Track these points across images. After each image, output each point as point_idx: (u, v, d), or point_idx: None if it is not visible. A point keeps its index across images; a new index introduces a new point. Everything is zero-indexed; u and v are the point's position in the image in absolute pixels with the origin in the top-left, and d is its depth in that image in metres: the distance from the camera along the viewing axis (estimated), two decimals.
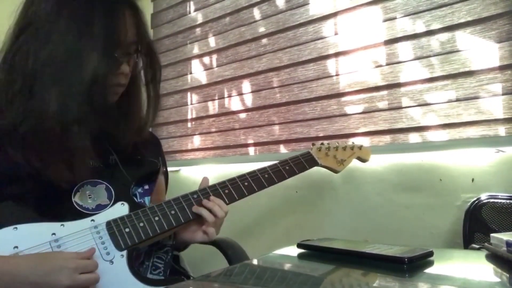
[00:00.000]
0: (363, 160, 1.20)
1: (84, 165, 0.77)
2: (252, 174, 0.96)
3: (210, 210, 0.86)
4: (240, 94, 1.83)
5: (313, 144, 1.13)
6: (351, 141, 1.22)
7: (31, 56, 0.73)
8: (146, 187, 0.92)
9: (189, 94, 2.04)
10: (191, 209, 0.86)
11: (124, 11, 0.79)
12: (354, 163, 1.20)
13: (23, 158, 0.73)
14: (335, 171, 1.14)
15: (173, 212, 0.84)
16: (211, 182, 0.94)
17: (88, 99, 0.74)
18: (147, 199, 0.91)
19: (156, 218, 0.82)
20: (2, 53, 0.77)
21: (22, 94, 0.73)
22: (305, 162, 1.04)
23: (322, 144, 1.13)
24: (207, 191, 0.89)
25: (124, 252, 0.77)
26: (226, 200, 0.90)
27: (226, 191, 0.90)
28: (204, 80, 1.97)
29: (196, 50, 2.01)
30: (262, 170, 0.97)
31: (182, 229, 0.91)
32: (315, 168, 1.08)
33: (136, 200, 0.88)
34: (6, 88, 0.74)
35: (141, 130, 0.89)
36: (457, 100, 1.30)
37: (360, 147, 1.18)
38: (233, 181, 0.93)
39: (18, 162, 0.73)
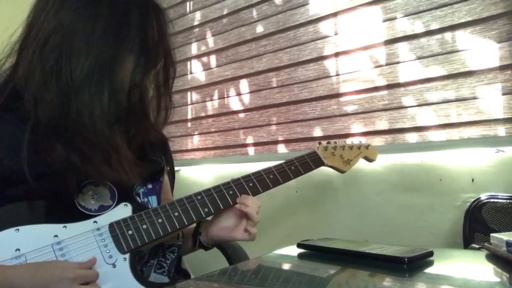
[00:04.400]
0: (370, 160, 1.17)
1: (122, 165, 0.78)
2: (257, 174, 0.94)
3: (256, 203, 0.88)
4: (240, 94, 1.83)
5: (319, 143, 1.10)
6: (358, 140, 1.21)
7: (69, 59, 0.73)
8: (150, 186, 0.92)
9: (189, 94, 2.04)
10: (194, 211, 0.86)
11: (154, 15, 0.81)
12: (356, 163, 1.19)
13: (66, 154, 0.73)
14: (341, 171, 1.11)
15: (176, 214, 0.84)
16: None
17: (127, 101, 0.77)
18: (150, 199, 0.91)
19: (160, 220, 0.82)
20: (27, 49, 0.76)
21: (59, 94, 0.73)
22: (311, 162, 1.03)
23: (328, 143, 1.10)
24: (211, 192, 0.89)
25: (127, 255, 0.77)
26: (231, 202, 0.89)
27: (231, 192, 0.90)
28: (204, 80, 1.97)
29: (196, 50, 2.01)
30: (267, 171, 0.96)
31: (215, 226, 0.91)
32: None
33: (139, 200, 0.88)
34: (42, 85, 0.74)
35: (152, 132, 0.90)
36: (457, 100, 1.30)
37: (367, 147, 1.15)
38: (237, 182, 0.92)
39: (55, 159, 0.73)
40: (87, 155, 0.74)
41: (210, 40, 1.95)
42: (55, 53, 0.73)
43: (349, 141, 1.17)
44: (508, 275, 0.57)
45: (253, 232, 0.88)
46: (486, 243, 0.65)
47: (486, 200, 1.17)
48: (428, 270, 0.60)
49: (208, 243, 0.94)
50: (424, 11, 1.36)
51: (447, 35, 1.33)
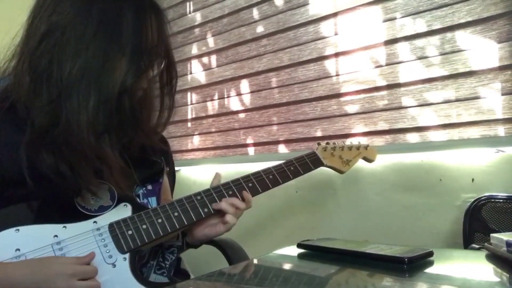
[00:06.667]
0: (369, 160, 1.18)
1: (113, 172, 0.76)
2: (257, 175, 0.95)
3: (231, 204, 0.88)
4: (241, 94, 1.83)
5: (318, 144, 1.11)
6: (357, 140, 1.21)
7: (60, 64, 0.72)
8: (150, 187, 0.92)
9: (189, 94, 2.04)
10: (194, 211, 0.86)
11: (151, 16, 0.79)
12: (355, 163, 1.19)
13: (55, 163, 0.72)
14: (341, 172, 1.11)
15: (176, 214, 0.84)
16: (211, 183, 0.94)
17: (118, 106, 0.74)
18: (150, 200, 0.91)
19: (159, 220, 0.82)
20: (21, 55, 0.75)
21: (50, 101, 0.72)
22: (310, 162, 1.03)
23: (327, 143, 1.11)
24: (210, 192, 0.89)
25: (127, 255, 0.77)
26: None
27: (230, 192, 0.90)
28: (204, 80, 1.97)
29: (196, 50, 2.01)
30: (267, 171, 0.96)
31: (200, 226, 0.91)
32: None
33: (139, 201, 0.88)
34: (32, 92, 0.73)
35: (153, 133, 0.89)
36: (457, 100, 1.30)
37: (366, 147, 1.16)
38: (237, 182, 0.92)
39: (45, 166, 0.72)
40: (75, 166, 0.73)
41: (210, 40, 1.95)
42: (45, 58, 0.72)
43: (348, 141, 1.17)
44: (508, 275, 0.56)
45: (228, 219, 0.87)
46: (486, 243, 0.65)
47: (486, 200, 1.17)
48: (428, 270, 0.60)
49: (194, 243, 0.95)
50: (424, 11, 1.36)
51: (447, 35, 1.33)
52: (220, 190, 0.90)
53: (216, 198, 0.89)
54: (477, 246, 1.02)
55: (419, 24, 1.37)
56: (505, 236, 0.60)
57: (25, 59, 0.74)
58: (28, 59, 0.73)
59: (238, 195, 0.91)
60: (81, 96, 0.71)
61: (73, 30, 0.73)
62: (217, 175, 0.95)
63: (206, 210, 0.87)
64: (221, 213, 0.89)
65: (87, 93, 0.72)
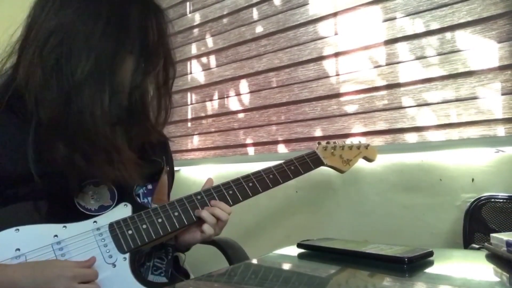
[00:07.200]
0: (369, 160, 1.18)
1: (124, 165, 0.77)
2: (257, 174, 0.95)
3: (212, 214, 0.86)
4: (240, 94, 1.83)
5: (318, 143, 1.11)
6: (357, 140, 1.21)
7: (69, 59, 0.73)
8: (150, 187, 0.92)
9: (189, 94, 2.04)
10: (193, 211, 0.86)
11: (154, 15, 0.82)
12: (355, 163, 1.19)
13: (68, 154, 0.73)
14: (341, 171, 1.12)
15: (176, 214, 0.84)
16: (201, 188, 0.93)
17: (128, 101, 0.77)
18: (150, 200, 0.91)
19: (159, 220, 0.82)
20: (28, 49, 0.76)
21: (60, 94, 0.73)
22: (310, 162, 1.04)
23: (328, 143, 1.12)
24: (211, 192, 0.89)
25: (127, 255, 0.77)
26: (230, 201, 0.89)
27: (230, 192, 0.90)
28: (204, 80, 1.97)
29: (195, 50, 2.01)
30: (267, 171, 0.96)
31: (183, 231, 0.91)
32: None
33: (139, 200, 0.88)
34: (42, 85, 0.74)
35: (152, 132, 0.89)
36: (457, 100, 1.30)
37: (367, 147, 1.17)
38: (237, 182, 0.92)
39: (57, 160, 0.73)
40: (89, 155, 0.74)
41: (210, 40, 1.95)
42: (55, 53, 0.73)
43: (348, 141, 1.17)
44: (508, 275, 0.57)
45: (204, 229, 0.86)
46: (486, 243, 0.65)
47: (486, 200, 1.17)
48: (428, 270, 0.60)
49: (179, 248, 0.95)
50: (424, 11, 1.36)
51: (447, 35, 1.33)
52: (220, 189, 0.90)
53: (216, 197, 0.89)
54: (477, 246, 1.02)
55: (419, 24, 1.37)
56: (505, 236, 0.60)
57: (34, 52, 0.74)
58: (39, 53, 0.74)
59: (238, 195, 0.91)
60: (94, 90, 0.74)
61: (82, 26, 0.75)
62: (209, 181, 0.95)
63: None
64: (202, 221, 0.87)
65: (100, 87, 0.74)
